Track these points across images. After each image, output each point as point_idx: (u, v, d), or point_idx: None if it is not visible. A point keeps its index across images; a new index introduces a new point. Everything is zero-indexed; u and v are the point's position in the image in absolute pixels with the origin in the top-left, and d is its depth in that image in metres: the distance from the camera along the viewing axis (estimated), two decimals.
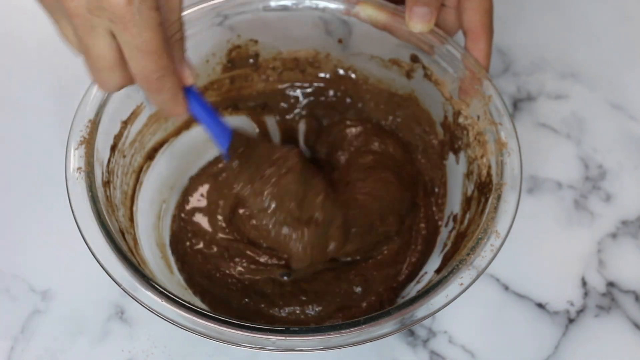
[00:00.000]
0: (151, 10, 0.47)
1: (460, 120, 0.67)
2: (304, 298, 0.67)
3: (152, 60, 0.49)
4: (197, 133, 0.72)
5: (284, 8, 0.69)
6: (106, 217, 0.58)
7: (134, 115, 0.67)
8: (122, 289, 0.55)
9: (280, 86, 0.76)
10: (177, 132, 0.73)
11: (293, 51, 0.74)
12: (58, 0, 0.47)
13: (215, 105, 0.74)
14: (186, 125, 0.73)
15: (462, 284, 0.56)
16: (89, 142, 0.61)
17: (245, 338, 0.53)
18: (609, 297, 0.69)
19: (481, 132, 0.64)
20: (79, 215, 0.58)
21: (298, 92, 0.77)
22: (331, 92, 0.76)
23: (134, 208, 0.68)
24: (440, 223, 0.71)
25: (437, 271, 0.64)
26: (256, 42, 0.72)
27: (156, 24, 0.48)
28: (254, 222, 0.69)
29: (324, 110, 0.77)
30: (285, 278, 0.68)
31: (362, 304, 0.68)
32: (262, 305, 0.67)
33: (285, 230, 0.63)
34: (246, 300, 0.67)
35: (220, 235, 0.71)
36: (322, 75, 0.76)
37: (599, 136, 0.78)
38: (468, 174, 0.67)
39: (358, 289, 0.68)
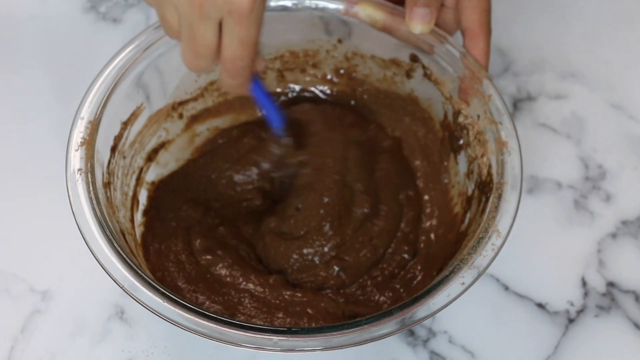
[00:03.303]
0: (262, 9, 0.55)
1: (460, 119, 0.67)
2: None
3: (247, 52, 0.56)
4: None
5: (284, 8, 0.69)
6: (107, 218, 0.58)
7: (133, 116, 0.67)
8: (123, 289, 0.55)
9: (280, 87, 0.77)
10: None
11: (293, 51, 0.74)
12: None
13: (217, 107, 0.75)
14: (186, 128, 0.73)
15: (463, 284, 0.56)
16: (89, 144, 0.61)
17: (245, 338, 0.53)
18: (609, 297, 0.69)
19: (481, 131, 0.64)
20: (80, 216, 0.57)
21: (298, 93, 0.77)
22: (331, 92, 0.76)
23: (134, 209, 0.68)
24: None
25: (438, 271, 0.64)
26: None
27: (261, 22, 0.56)
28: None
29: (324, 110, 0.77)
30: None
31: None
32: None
33: None
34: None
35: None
36: (322, 75, 0.76)
37: (599, 136, 0.78)
38: (468, 174, 0.67)
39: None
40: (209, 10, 0.54)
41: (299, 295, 0.65)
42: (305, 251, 0.68)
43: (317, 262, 0.68)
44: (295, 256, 0.68)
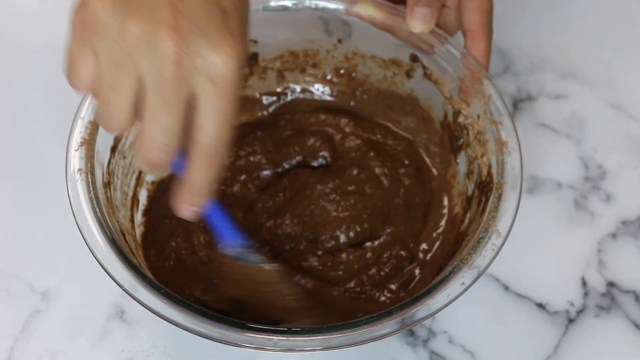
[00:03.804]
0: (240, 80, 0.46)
1: (460, 119, 0.67)
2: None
3: (228, 129, 0.48)
4: None
5: (284, 8, 0.69)
6: (107, 218, 0.58)
7: None
8: (123, 289, 0.55)
9: (280, 87, 0.77)
10: None
11: (292, 51, 0.74)
12: (147, 42, 0.44)
13: None
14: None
15: (463, 284, 0.56)
16: (89, 144, 0.61)
17: (246, 338, 0.53)
18: (609, 297, 0.69)
19: (481, 131, 0.64)
20: (80, 216, 0.57)
21: (298, 93, 0.77)
22: (331, 92, 0.76)
23: (135, 209, 0.68)
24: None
25: (438, 271, 0.64)
26: (255, 42, 0.72)
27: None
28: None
29: (324, 109, 0.77)
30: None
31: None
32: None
33: None
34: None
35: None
36: (322, 75, 0.76)
37: (599, 136, 0.78)
38: (468, 174, 0.67)
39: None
40: (186, 73, 0.45)
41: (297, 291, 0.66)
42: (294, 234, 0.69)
43: (307, 250, 0.69)
44: (288, 238, 0.69)
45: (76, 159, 0.60)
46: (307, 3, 0.69)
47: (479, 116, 0.65)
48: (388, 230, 0.69)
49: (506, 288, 0.69)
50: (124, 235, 0.61)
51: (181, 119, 0.46)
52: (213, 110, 0.46)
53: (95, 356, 0.66)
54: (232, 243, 0.61)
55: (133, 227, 0.66)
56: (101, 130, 0.62)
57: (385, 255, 0.68)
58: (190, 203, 0.51)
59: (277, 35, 0.72)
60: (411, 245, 0.69)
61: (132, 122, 0.48)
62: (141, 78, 0.45)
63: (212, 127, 0.47)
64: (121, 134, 0.46)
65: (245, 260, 0.62)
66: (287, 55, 0.74)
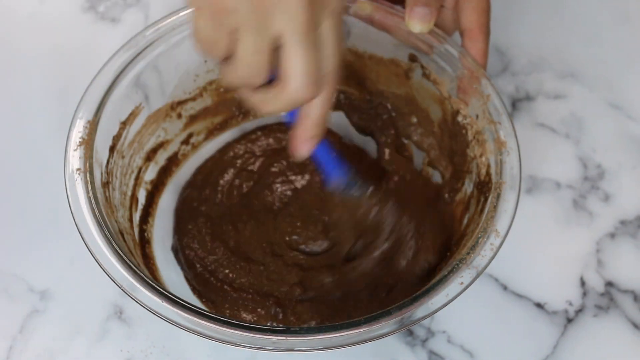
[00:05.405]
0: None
1: (459, 119, 0.67)
2: None
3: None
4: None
5: None
6: (106, 218, 0.58)
7: (132, 116, 0.67)
8: (121, 289, 0.55)
9: None
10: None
11: None
12: None
13: (215, 107, 0.75)
14: (184, 127, 0.73)
15: (462, 283, 0.56)
16: (88, 143, 0.61)
17: (244, 338, 0.53)
18: (607, 297, 0.69)
19: (480, 131, 0.64)
20: (78, 216, 0.57)
21: None
22: None
23: (133, 209, 0.68)
24: None
25: (437, 271, 0.64)
26: None
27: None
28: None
29: None
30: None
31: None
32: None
33: None
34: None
35: None
36: None
37: (597, 136, 0.78)
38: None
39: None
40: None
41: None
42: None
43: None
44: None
45: (75, 159, 0.60)
46: None
47: (477, 116, 0.65)
48: None
49: (505, 288, 0.70)
50: (122, 235, 0.61)
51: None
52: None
53: (94, 356, 0.66)
54: (338, 176, 0.67)
55: (132, 226, 0.66)
56: (100, 130, 0.62)
57: None
58: (311, 136, 0.56)
59: None
60: None
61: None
62: None
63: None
64: None
65: (351, 191, 0.68)
66: None
